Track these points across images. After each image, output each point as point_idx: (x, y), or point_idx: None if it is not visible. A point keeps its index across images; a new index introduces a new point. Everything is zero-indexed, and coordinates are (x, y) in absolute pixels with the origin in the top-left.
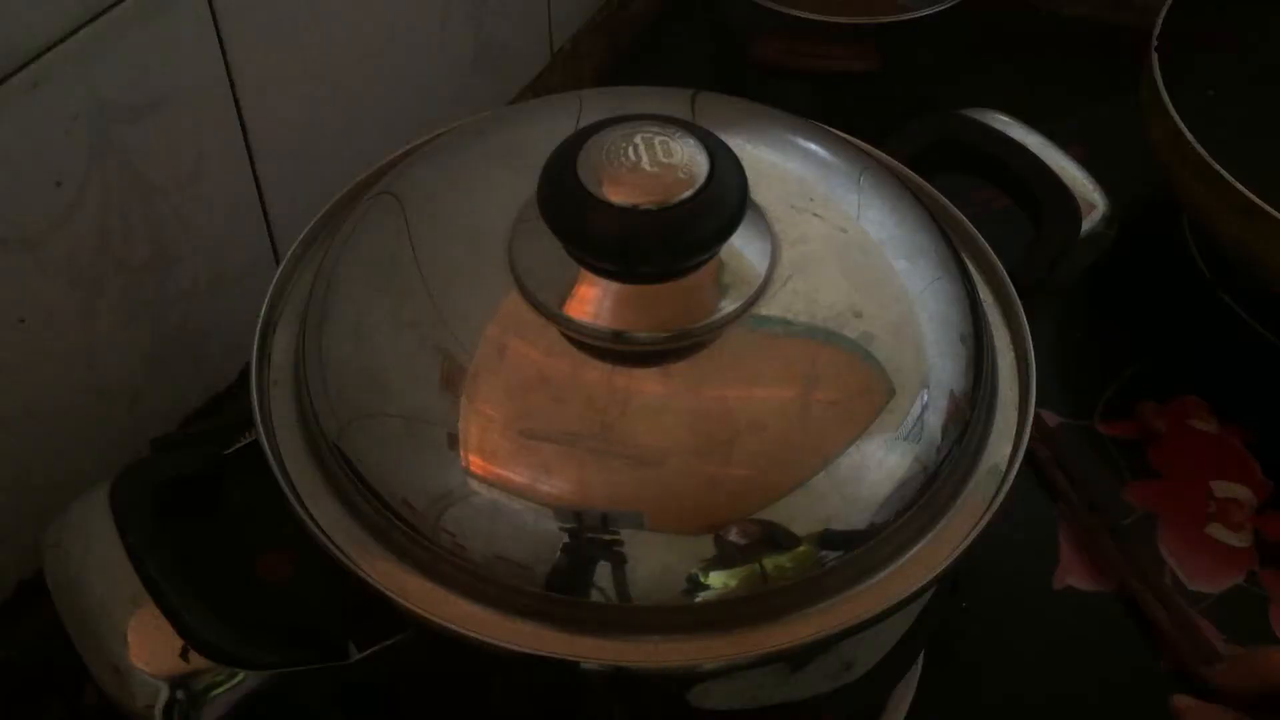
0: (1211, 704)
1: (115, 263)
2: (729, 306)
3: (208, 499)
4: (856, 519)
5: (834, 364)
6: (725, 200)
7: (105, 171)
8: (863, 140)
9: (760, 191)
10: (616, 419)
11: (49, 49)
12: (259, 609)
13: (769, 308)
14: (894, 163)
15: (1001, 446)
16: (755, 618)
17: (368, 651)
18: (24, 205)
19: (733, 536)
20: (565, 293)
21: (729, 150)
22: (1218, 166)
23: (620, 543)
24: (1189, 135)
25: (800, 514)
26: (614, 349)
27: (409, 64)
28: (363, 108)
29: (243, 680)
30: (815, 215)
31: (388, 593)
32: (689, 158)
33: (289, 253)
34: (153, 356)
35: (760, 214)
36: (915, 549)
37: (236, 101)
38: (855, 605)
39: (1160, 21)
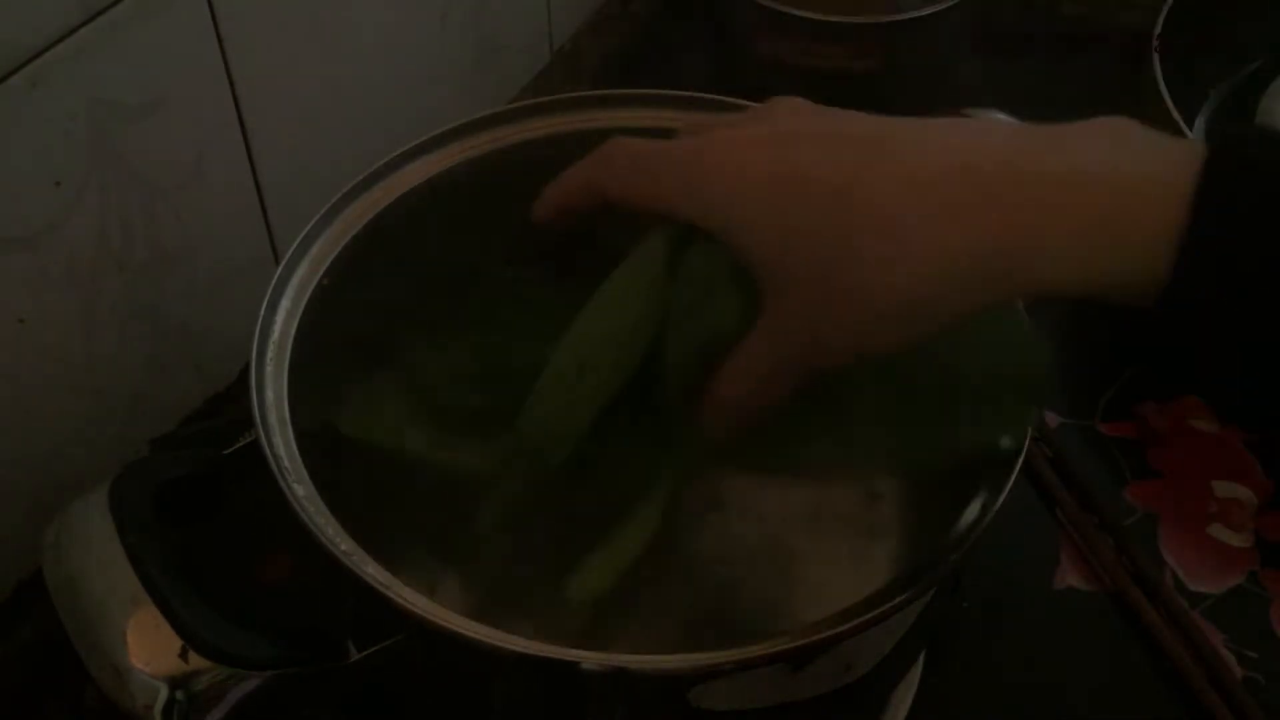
0: None
1: (115, 263)
2: None
3: (207, 499)
4: None
5: None
6: None
7: (104, 172)
8: None
9: None
10: None
11: (48, 49)
12: (259, 609)
13: None
14: None
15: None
16: None
17: (367, 651)
18: (23, 205)
19: None
20: None
21: None
22: None
23: None
24: (1189, 135)
25: None
26: None
27: (409, 64)
28: (362, 108)
29: (242, 680)
30: None
31: (387, 593)
32: None
33: (289, 253)
34: (152, 356)
35: None
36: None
37: (236, 101)
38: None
39: (1160, 21)
